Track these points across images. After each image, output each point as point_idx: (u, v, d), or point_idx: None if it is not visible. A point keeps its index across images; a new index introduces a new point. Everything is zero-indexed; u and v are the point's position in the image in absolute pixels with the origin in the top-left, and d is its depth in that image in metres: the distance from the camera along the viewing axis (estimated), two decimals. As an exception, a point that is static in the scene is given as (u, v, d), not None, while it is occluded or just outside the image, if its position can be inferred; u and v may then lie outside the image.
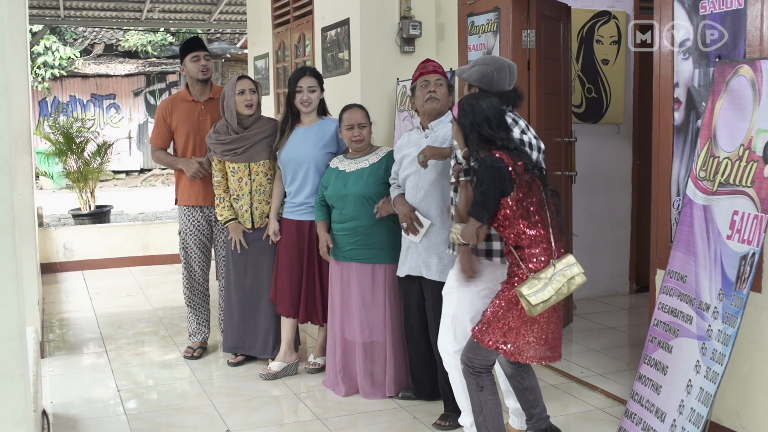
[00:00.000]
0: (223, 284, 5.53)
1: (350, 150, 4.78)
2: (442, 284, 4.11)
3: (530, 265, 3.43)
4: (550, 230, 3.47)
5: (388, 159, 4.65)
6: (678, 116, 4.14)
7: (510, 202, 3.42)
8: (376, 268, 4.67)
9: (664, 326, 3.85)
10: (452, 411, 4.26)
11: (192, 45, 5.63)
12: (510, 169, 3.41)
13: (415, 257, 4.35)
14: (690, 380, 3.57)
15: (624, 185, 7.16)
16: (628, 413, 3.98)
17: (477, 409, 3.67)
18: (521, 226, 3.44)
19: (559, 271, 3.37)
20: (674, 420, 3.60)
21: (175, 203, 5.67)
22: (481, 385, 3.61)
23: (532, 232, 3.44)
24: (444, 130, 4.24)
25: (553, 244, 3.46)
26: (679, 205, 4.09)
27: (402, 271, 4.46)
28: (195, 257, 5.59)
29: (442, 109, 4.33)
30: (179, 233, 5.65)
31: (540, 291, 3.36)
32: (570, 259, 3.40)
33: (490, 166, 3.43)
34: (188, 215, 5.57)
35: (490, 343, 3.52)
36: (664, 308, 3.88)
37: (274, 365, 5.13)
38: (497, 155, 3.44)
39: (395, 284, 4.63)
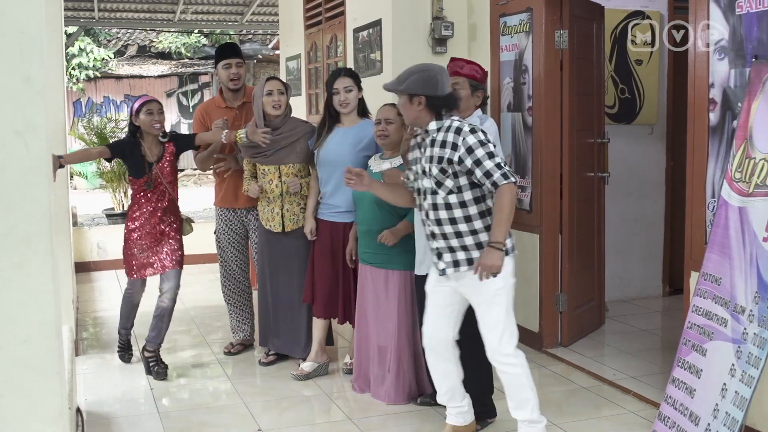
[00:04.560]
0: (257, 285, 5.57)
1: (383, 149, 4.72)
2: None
3: None
4: None
5: None
6: (713, 117, 4.09)
7: None
8: (389, 273, 4.62)
9: (699, 329, 3.81)
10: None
11: (224, 51, 5.61)
12: None
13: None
14: (725, 384, 3.53)
15: (657, 187, 7.09)
16: (662, 417, 3.94)
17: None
18: None
19: None
20: (708, 424, 3.56)
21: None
22: None
23: None
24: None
25: None
26: (713, 206, 4.05)
27: (422, 270, 4.32)
28: (231, 256, 5.65)
29: (462, 115, 4.34)
30: (215, 233, 5.70)
31: None
32: None
33: None
34: (222, 216, 5.63)
35: None
36: (698, 311, 3.84)
37: (306, 365, 5.14)
38: None
39: (407, 291, 4.59)
